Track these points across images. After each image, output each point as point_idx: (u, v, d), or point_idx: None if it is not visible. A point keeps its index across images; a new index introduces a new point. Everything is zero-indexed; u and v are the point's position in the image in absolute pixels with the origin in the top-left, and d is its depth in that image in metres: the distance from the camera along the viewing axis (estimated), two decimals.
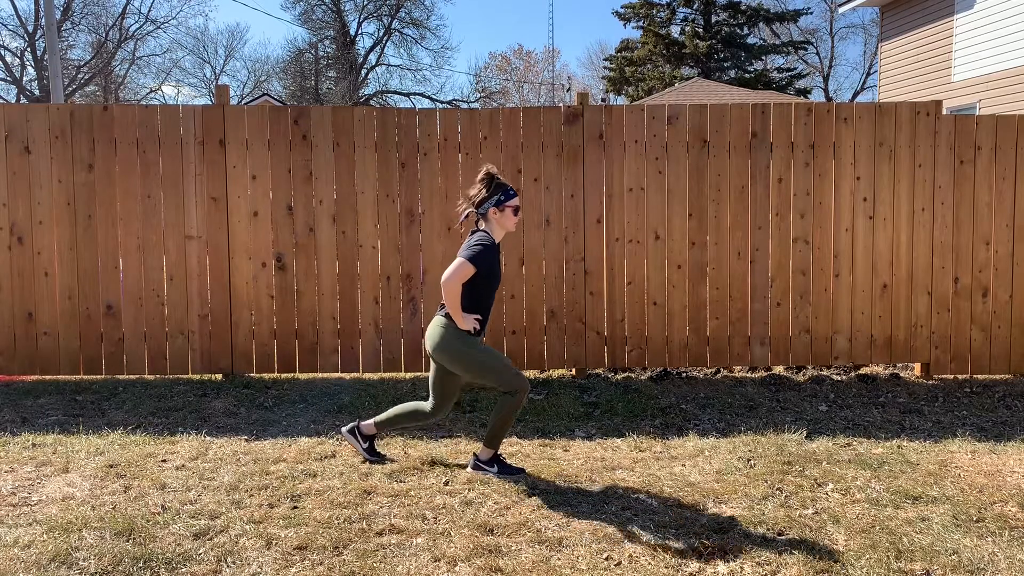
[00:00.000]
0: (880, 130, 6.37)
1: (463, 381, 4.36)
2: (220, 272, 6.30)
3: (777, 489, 4.09)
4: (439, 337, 4.18)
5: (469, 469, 4.37)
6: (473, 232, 4.28)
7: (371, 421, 4.56)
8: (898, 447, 4.85)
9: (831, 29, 44.55)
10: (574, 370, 6.50)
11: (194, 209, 6.27)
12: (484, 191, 4.22)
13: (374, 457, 4.53)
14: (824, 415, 5.55)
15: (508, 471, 4.31)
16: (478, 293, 4.18)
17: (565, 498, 3.98)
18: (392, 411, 4.51)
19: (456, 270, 4.04)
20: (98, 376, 6.36)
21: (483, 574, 3.22)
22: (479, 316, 4.20)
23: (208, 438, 4.98)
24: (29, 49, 36.41)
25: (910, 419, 5.46)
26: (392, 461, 4.51)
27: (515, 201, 4.25)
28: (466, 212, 4.30)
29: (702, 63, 34.55)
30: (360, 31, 45.65)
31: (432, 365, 4.36)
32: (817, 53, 44.46)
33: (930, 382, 6.44)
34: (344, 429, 4.63)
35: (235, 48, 65.41)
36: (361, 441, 4.55)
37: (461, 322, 4.11)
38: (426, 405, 4.42)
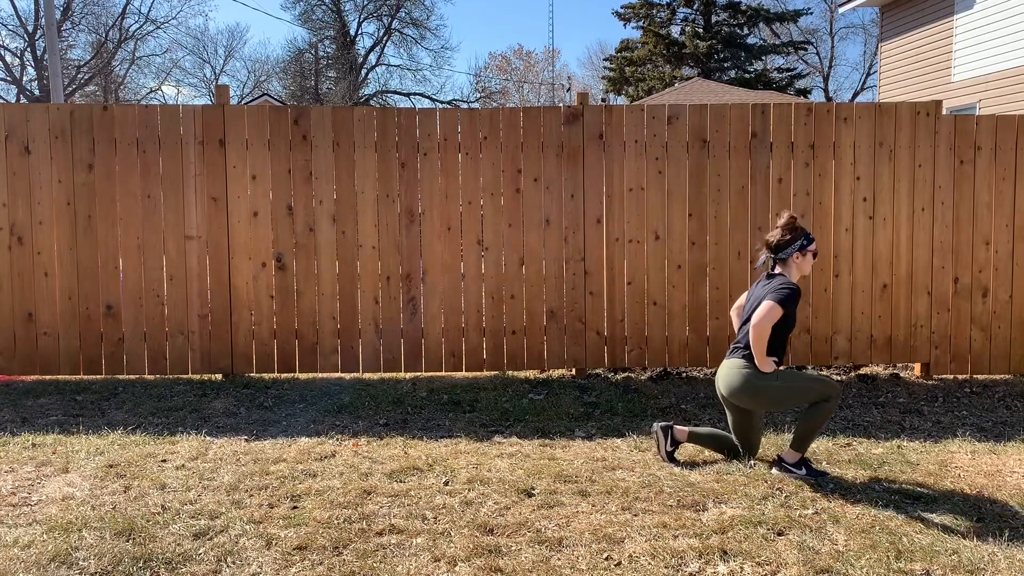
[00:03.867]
0: (880, 130, 6.37)
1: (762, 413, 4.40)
2: (220, 272, 6.30)
3: (777, 489, 4.09)
4: (742, 380, 4.21)
5: (774, 471, 4.32)
6: (770, 276, 4.36)
7: (687, 429, 4.54)
8: (898, 447, 4.85)
9: (831, 29, 44.60)
10: (574, 370, 6.50)
11: (194, 209, 6.27)
12: (787, 235, 4.31)
13: (672, 461, 4.48)
14: None
15: (814, 473, 4.29)
16: (777, 336, 4.22)
17: (565, 498, 3.98)
18: (712, 431, 4.56)
19: (768, 313, 4.11)
20: (98, 376, 6.36)
21: (483, 574, 3.22)
22: (776, 359, 4.25)
23: (208, 438, 4.98)
24: (29, 49, 36.44)
25: (910, 419, 5.46)
26: (682, 465, 4.44)
27: (815, 246, 4.36)
28: (763, 259, 4.40)
29: (702, 63, 34.55)
30: (360, 31, 45.73)
31: (730, 414, 4.42)
32: (817, 53, 44.50)
33: (930, 382, 6.44)
34: (658, 425, 4.57)
35: (235, 48, 65.48)
36: (667, 442, 4.49)
37: (764, 365, 4.16)
38: (740, 447, 4.47)
